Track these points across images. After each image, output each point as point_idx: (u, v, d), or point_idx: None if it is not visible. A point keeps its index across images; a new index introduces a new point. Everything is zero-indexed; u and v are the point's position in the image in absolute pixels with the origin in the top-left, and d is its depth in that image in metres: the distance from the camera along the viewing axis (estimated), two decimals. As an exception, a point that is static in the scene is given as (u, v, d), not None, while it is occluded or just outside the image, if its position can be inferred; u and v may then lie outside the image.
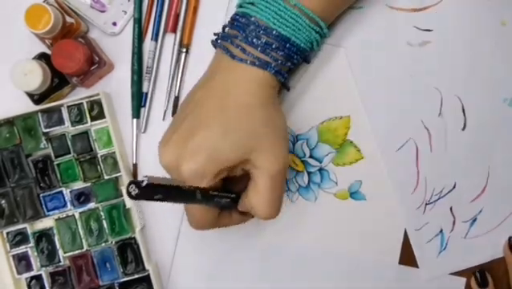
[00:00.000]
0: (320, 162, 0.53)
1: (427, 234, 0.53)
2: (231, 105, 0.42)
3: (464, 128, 0.52)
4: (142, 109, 0.53)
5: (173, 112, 0.53)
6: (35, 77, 0.48)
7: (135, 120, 0.53)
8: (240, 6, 0.45)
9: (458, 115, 0.52)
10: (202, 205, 0.44)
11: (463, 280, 0.53)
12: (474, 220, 0.52)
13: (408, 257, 0.53)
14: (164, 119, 0.53)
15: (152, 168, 0.53)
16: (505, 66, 0.52)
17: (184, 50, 0.52)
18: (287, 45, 0.44)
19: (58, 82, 0.51)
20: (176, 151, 0.42)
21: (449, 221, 0.52)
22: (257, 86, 0.43)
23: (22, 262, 0.51)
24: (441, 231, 0.53)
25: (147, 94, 0.53)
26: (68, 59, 0.48)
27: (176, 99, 0.53)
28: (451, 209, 0.52)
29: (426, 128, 0.52)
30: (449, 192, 0.52)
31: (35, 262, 0.51)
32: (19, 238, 0.51)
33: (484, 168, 0.52)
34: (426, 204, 0.52)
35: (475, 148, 0.52)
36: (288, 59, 0.44)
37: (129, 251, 0.51)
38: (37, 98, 0.51)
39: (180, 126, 0.43)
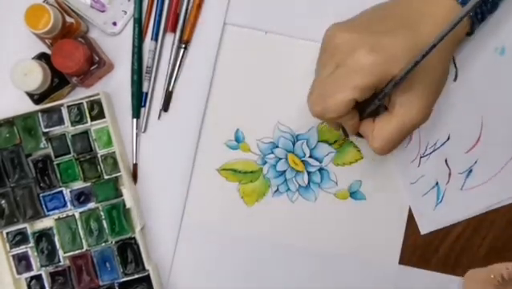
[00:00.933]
0: (320, 162, 0.53)
1: (423, 187, 0.52)
2: (418, 33, 0.42)
3: (455, 79, 0.51)
4: (142, 109, 0.53)
5: (165, 108, 0.53)
6: (35, 77, 0.48)
7: (135, 119, 0.53)
8: None
9: (450, 66, 0.51)
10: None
11: (463, 280, 0.53)
12: (470, 171, 0.52)
13: (408, 257, 0.53)
14: (159, 118, 0.53)
15: (152, 168, 0.53)
16: (496, 15, 0.51)
17: (183, 46, 0.52)
18: None
19: (58, 82, 0.51)
20: (355, 36, 0.42)
21: (444, 174, 0.52)
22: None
23: (22, 262, 0.51)
24: (437, 184, 0.52)
25: (147, 94, 0.53)
26: (68, 59, 0.48)
27: (170, 93, 0.53)
28: (446, 161, 0.52)
29: None
30: (443, 144, 0.52)
31: (35, 262, 0.51)
32: (19, 238, 0.51)
33: (477, 119, 0.51)
34: (421, 157, 0.52)
35: (467, 98, 0.51)
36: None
37: (129, 251, 0.51)
38: (37, 98, 0.51)
39: (362, 18, 0.44)
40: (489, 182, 0.52)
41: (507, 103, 0.51)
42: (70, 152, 0.51)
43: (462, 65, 0.51)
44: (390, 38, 0.41)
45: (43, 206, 0.51)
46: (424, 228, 0.53)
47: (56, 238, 0.51)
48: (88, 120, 0.51)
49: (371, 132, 0.45)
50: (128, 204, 0.51)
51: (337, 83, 0.43)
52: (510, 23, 0.48)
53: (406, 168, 0.52)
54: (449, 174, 0.52)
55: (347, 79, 0.42)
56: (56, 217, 0.51)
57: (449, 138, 0.52)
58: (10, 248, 0.51)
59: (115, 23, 0.52)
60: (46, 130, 0.51)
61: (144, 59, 0.53)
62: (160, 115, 0.53)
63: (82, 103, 0.51)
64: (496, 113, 0.51)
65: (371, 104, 0.44)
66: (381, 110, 0.45)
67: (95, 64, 0.50)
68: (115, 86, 0.53)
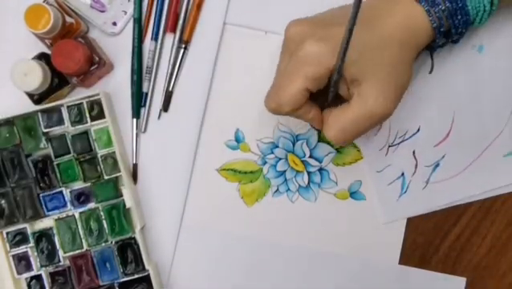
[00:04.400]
0: (320, 162, 0.53)
1: (388, 177, 0.53)
2: (376, 28, 0.42)
3: (431, 72, 0.51)
4: (142, 109, 0.53)
5: (165, 108, 0.53)
6: (35, 77, 0.48)
7: (135, 119, 0.53)
8: None
9: (425, 58, 0.51)
10: (304, 85, 0.43)
11: (463, 280, 0.53)
12: (437, 165, 0.52)
13: (408, 257, 0.53)
14: (159, 118, 0.53)
15: (152, 168, 0.53)
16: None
17: (183, 46, 0.53)
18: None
19: (58, 82, 0.51)
20: (306, 28, 0.42)
21: (411, 165, 0.52)
22: (410, 25, 0.43)
23: (22, 262, 0.51)
24: (403, 174, 0.52)
25: (147, 94, 0.53)
26: (68, 58, 0.48)
27: (170, 93, 0.53)
28: (414, 152, 0.52)
29: None
30: (412, 135, 0.52)
31: (35, 262, 0.51)
32: (19, 238, 0.51)
33: (449, 114, 0.51)
34: (389, 146, 0.52)
35: (441, 92, 0.51)
36: (451, 15, 0.44)
37: (129, 251, 0.51)
38: (37, 98, 0.51)
39: (321, 14, 0.44)
40: (455, 178, 0.52)
41: (479, 102, 0.51)
42: (70, 153, 0.51)
43: (439, 59, 0.51)
44: (340, 29, 0.40)
45: (43, 206, 0.51)
46: (386, 217, 0.53)
47: (56, 238, 0.51)
48: (88, 120, 0.51)
49: (327, 120, 0.44)
50: (128, 204, 0.51)
51: (288, 74, 0.43)
52: (489, 22, 0.48)
53: (373, 155, 0.52)
54: (416, 166, 0.52)
55: (297, 69, 0.42)
56: (56, 217, 0.51)
57: (418, 130, 0.52)
58: (10, 248, 0.51)
59: (115, 23, 0.52)
60: (46, 130, 0.51)
61: (144, 59, 0.53)
62: (160, 115, 0.53)
63: (82, 103, 0.51)
64: (467, 110, 0.51)
65: (328, 94, 0.44)
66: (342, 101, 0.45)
67: (95, 64, 0.50)
68: (115, 86, 0.53)
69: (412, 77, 0.44)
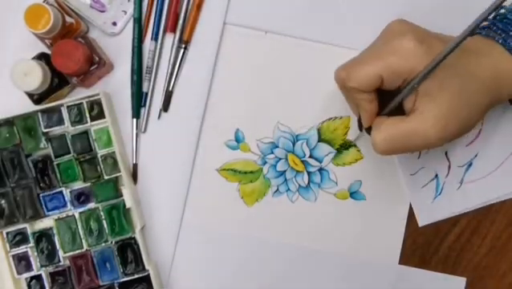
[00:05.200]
0: (320, 162, 0.53)
1: (422, 179, 0.53)
2: (472, 62, 0.41)
3: None
4: (142, 109, 0.53)
5: (165, 108, 0.53)
6: (35, 77, 0.48)
7: (135, 119, 0.53)
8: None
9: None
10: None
11: (463, 280, 0.53)
12: (470, 164, 0.52)
13: (408, 257, 0.53)
14: (159, 118, 0.53)
15: (152, 168, 0.53)
16: None
17: (183, 46, 0.53)
18: None
19: (58, 82, 0.51)
20: (410, 26, 0.43)
21: (444, 166, 0.53)
22: (499, 73, 0.43)
23: (22, 262, 0.51)
24: (436, 176, 0.53)
25: (147, 94, 0.53)
26: (68, 59, 0.48)
27: (170, 93, 0.53)
28: (446, 153, 0.52)
29: None
30: None
31: (35, 262, 0.51)
32: (19, 238, 0.51)
33: None
34: None
35: None
36: None
37: (129, 251, 0.51)
38: (37, 98, 0.51)
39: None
40: (489, 177, 0.52)
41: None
42: (70, 153, 0.51)
43: None
44: (442, 44, 0.41)
45: (43, 206, 0.51)
46: (423, 220, 0.53)
47: (56, 238, 0.51)
48: (88, 120, 0.51)
49: (380, 125, 0.44)
50: (128, 204, 0.51)
51: (373, 56, 0.43)
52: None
53: (406, 159, 0.52)
54: (449, 167, 0.53)
55: (384, 55, 0.42)
56: (56, 217, 0.51)
57: None
58: (10, 248, 0.51)
59: (115, 23, 0.52)
60: (46, 130, 0.51)
61: (144, 59, 0.53)
62: (160, 115, 0.53)
63: (82, 103, 0.51)
64: (497, 107, 0.51)
65: (394, 97, 0.44)
66: (399, 113, 0.45)
67: (95, 64, 0.50)
68: (115, 86, 0.53)
69: (477, 126, 0.44)
